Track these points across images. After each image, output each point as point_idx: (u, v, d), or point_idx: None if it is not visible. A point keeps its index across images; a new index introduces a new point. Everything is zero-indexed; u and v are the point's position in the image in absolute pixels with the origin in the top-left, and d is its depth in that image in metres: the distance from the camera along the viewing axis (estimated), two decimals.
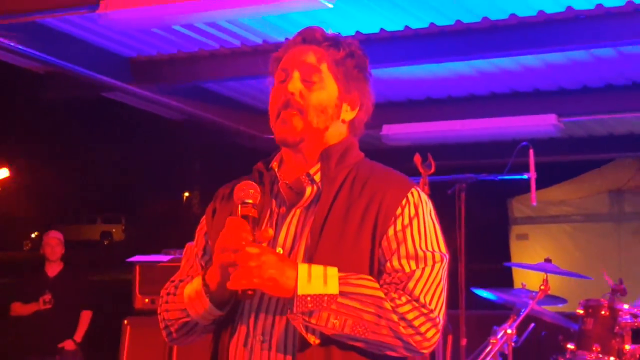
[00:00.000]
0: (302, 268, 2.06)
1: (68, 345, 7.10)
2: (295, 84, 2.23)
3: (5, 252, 22.87)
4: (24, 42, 6.02)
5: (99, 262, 19.66)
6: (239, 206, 2.12)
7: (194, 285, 2.21)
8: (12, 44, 5.97)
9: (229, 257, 2.05)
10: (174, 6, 5.07)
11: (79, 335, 7.17)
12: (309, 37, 2.29)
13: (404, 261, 2.12)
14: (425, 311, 2.07)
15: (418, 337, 2.07)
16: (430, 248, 2.15)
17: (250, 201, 2.11)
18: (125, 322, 5.66)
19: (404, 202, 2.17)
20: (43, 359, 7.09)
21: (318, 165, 2.25)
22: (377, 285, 2.09)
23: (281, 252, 2.18)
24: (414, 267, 2.11)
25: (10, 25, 5.79)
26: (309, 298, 2.03)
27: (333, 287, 2.04)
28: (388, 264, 2.13)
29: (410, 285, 2.09)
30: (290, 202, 2.26)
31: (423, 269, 2.11)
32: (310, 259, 2.12)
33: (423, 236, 2.16)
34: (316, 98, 2.23)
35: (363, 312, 2.05)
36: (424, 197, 2.23)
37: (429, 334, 2.08)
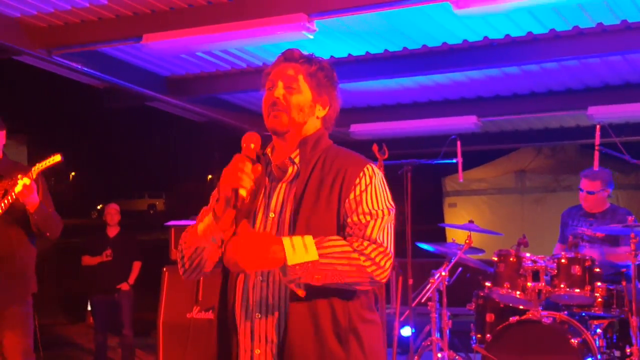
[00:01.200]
0: (286, 241, 2.00)
1: (124, 286, 7.04)
2: (279, 90, 2.23)
3: (78, 219, 22.70)
4: (88, 65, 5.97)
5: (145, 226, 19.49)
6: (243, 147, 2.08)
7: (205, 220, 2.15)
8: (79, 66, 5.92)
9: (236, 182, 2.02)
10: (197, 38, 5.04)
11: (131, 279, 7.11)
12: (289, 56, 2.28)
13: (361, 216, 2.13)
14: (381, 249, 2.09)
15: (378, 270, 2.07)
16: (380, 206, 2.16)
17: (253, 146, 2.08)
18: (164, 269, 5.61)
19: (361, 174, 2.17)
20: (105, 296, 7.05)
21: (298, 151, 2.24)
22: (343, 242, 2.07)
23: (273, 215, 2.18)
24: (369, 219, 2.13)
25: (77, 52, 5.74)
26: (297, 267, 1.99)
27: (313, 254, 2.00)
28: (349, 219, 2.13)
29: (367, 232, 2.11)
30: (279, 178, 2.24)
31: (375, 220, 2.13)
32: (294, 219, 2.12)
33: (375, 198, 2.16)
34: (295, 100, 2.22)
35: (338, 265, 2.03)
36: (377, 170, 2.22)
37: (386, 264, 2.08)
